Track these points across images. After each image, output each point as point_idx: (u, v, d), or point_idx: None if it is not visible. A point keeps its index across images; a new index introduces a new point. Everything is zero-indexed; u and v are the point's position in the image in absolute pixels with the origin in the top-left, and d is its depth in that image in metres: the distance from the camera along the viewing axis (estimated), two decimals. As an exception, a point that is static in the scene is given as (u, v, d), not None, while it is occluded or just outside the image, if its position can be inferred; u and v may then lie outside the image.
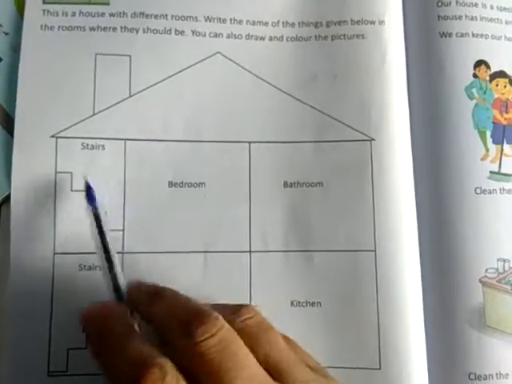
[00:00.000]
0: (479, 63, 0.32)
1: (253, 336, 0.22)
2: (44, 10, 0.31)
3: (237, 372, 0.20)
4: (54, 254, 0.28)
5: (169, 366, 0.20)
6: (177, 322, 0.21)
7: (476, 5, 0.33)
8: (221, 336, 0.20)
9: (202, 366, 0.20)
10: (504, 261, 0.30)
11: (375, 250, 0.29)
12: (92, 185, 0.25)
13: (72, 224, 0.29)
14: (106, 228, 0.24)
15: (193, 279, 0.29)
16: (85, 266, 0.29)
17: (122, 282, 0.24)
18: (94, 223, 0.25)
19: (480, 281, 0.29)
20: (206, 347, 0.20)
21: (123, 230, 0.29)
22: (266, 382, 0.21)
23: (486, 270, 0.30)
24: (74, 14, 0.31)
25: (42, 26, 0.31)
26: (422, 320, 0.29)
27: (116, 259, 0.24)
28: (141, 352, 0.21)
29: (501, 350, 0.29)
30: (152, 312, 0.23)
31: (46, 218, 0.29)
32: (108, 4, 0.31)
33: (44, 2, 0.31)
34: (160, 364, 0.20)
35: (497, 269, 0.30)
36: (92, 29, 0.31)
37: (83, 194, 0.26)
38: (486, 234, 0.30)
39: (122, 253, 0.29)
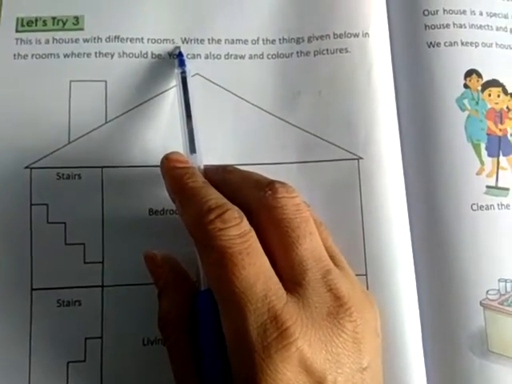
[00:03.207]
0: (470, 73, 0.31)
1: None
2: (17, 39, 0.30)
3: (305, 232, 0.22)
4: (32, 289, 0.27)
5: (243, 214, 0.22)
6: (255, 181, 0.24)
7: (464, 12, 0.31)
8: (299, 201, 0.23)
9: (276, 217, 0.22)
10: (506, 281, 0.28)
11: (366, 275, 0.28)
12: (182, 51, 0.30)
13: (49, 258, 0.28)
14: (189, 89, 0.28)
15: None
16: (63, 302, 0.27)
17: (197, 137, 0.27)
18: (181, 84, 0.28)
19: (481, 303, 0.28)
20: (285, 203, 0.23)
21: (102, 262, 0.28)
22: (324, 254, 0.23)
23: (487, 291, 0.28)
24: (47, 42, 0.30)
25: (15, 54, 0.30)
26: (421, 348, 0.27)
27: (195, 117, 0.27)
28: (221, 197, 0.23)
29: (505, 377, 0.27)
30: (228, 178, 0.25)
31: (22, 253, 0.28)
32: (82, 29, 0.30)
33: (17, 31, 0.30)
34: (238, 209, 0.22)
35: (498, 290, 0.28)
36: (66, 55, 0.30)
37: (176, 60, 0.30)
38: (486, 253, 0.28)
39: (102, 286, 0.28)
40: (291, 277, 0.22)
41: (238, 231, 0.21)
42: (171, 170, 0.25)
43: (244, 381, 0.20)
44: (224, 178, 0.25)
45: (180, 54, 0.30)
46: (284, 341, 0.20)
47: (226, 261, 0.21)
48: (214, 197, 0.23)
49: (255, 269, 0.21)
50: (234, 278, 0.20)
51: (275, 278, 0.21)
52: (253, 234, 0.22)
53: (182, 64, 0.29)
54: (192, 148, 0.27)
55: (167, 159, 0.26)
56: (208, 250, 0.22)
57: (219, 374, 0.22)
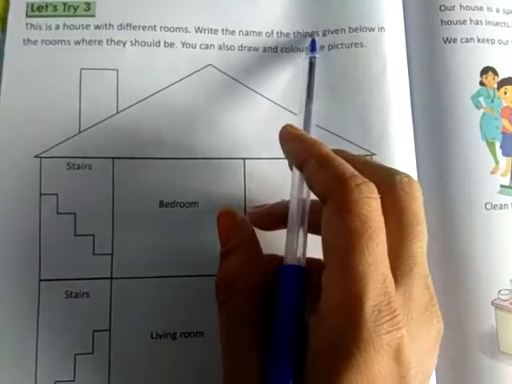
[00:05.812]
0: (486, 70, 0.30)
1: None
2: (27, 24, 0.29)
3: (423, 230, 0.22)
4: (40, 280, 0.27)
5: None
6: (386, 166, 0.24)
7: (481, 8, 0.31)
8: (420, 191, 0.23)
9: (406, 204, 0.22)
10: (518, 281, 0.28)
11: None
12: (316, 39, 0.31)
13: (58, 249, 0.27)
14: (315, 75, 0.29)
15: (186, 305, 0.27)
16: (71, 293, 0.27)
17: (313, 119, 0.27)
18: (308, 68, 0.29)
19: (493, 303, 0.28)
20: (418, 194, 0.23)
21: (112, 254, 0.28)
22: (426, 259, 0.23)
23: (499, 291, 0.28)
24: (57, 27, 0.30)
25: (24, 40, 0.29)
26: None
27: (315, 104, 0.28)
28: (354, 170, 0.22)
29: (516, 377, 0.27)
30: (350, 157, 0.24)
31: (31, 243, 0.27)
32: (93, 16, 0.30)
33: (27, 16, 0.30)
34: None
35: (510, 290, 0.28)
36: (77, 42, 0.29)
37: (309, 46, 0.30)
38: (498, 253, 0.28)
39: (111, 278, 0.27)
40: (400, 265, 0.22)
41: (378, 207, 0.21)
42: (300, 136, 0.25)
43: (337, 352, 0.20)
44: (346, 158, 0.24)
45: (313, 41, 0.30)
46: (394, 325, 0.20)
47: (364, 231, 0.20)
48: (351, 167, 0.22)
49: (383, 250, 0.21)
50: (366, 251, 0.20)
51: (389, 265, 0.21)
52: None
53: (313, 50, 0.29)
54: (306, 128, 0.26)
55: (292, 127, 0.25)
56: (347, 214, 0.21)
57: (294, 345, 0.22)
